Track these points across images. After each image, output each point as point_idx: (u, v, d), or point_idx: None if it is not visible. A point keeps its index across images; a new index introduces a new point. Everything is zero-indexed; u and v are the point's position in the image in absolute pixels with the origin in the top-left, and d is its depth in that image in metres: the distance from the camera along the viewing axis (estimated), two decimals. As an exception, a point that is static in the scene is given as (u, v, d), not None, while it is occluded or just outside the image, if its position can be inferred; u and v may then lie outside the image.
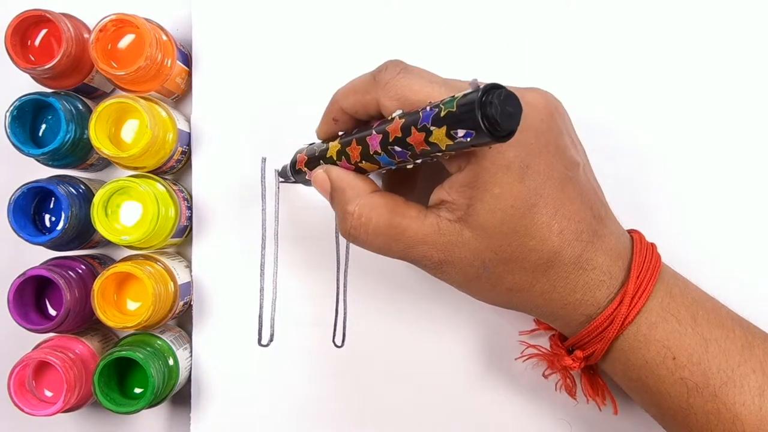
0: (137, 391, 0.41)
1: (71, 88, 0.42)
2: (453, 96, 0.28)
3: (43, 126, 0.41)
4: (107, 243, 0.43)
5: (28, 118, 0.41)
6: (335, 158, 0.35)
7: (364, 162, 0.33)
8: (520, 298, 0.34)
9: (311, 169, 0.36)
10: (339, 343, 0.43)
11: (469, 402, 0.42)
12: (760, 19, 0.42)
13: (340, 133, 0.36)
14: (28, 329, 0.39)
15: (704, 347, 0.33)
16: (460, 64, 0.43)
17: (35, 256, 0.42)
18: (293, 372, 0.43)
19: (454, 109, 0.27)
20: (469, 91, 0.27)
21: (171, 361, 0.41)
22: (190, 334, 0.44)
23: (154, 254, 0.42)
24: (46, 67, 0.39)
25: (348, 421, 0.43)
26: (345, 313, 0.43)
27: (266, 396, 0.43)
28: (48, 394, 0.40)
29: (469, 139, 0.27)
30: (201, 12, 0.44)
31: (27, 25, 0.40)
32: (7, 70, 0.39)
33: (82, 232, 0.41)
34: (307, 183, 0.38)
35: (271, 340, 0.43)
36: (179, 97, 0.45)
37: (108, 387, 0.39)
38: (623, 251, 0.34)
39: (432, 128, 0.28)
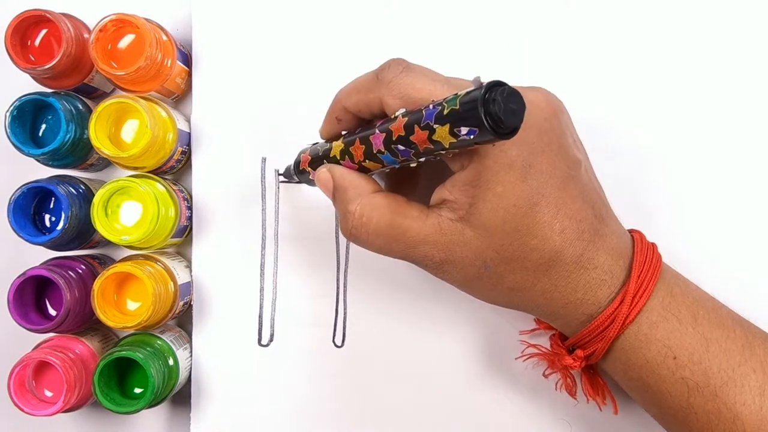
0: (137, 391, 0.41)
1: (71, 88, 0.42)
2: (456, 94, 0.28)
3: (43, 126, 0.41)
4: (107, 243, 0.43)
5: (28, 118, 0.41)
6: (339, 158, 0.35)
7: (367, 161, 0.33)
8: (521, 298, 0.34)
9: (315, 169, 0.36)
10: (339, 343, 0.43)
11: (469, 402, 0.42)
12: (760, 20, 0.42)
13: (344, 133, 0.36)
14: (28, 329, 0.39)
15: (705, 347, 0.33)
16: (460, 64, 0.43)
17: (35, 256, 0.42)
18: (293, 372, 0.43)
19: (458, 107, 0.27)
20: (472, 88, 0.27)
21: (171, 361, 0.41)
22: (190, 334, 0.44)
23: (154, 254, 0.42)
24: (46, 67, 0.39)
25: (348, 421, 0.43)
26: (345, 313, 0.43)
27: (266, 396, 0.43)
28: (48, 394, 0.40)
29: (472, 137, 0.27)
30: (201, 12, 0.44)
31: (27, 25, 0.40)
32: (7, 70, 0.39)
33: (82, 232, 0.41)
34: (311, 183, 0.38)
35: (271, 340, 0.43)
36: (179, 97, 0.45)
37: (108, 387, 0.39)
38: (624, 251, 0.34)
39: (435, 126, 0.28)
